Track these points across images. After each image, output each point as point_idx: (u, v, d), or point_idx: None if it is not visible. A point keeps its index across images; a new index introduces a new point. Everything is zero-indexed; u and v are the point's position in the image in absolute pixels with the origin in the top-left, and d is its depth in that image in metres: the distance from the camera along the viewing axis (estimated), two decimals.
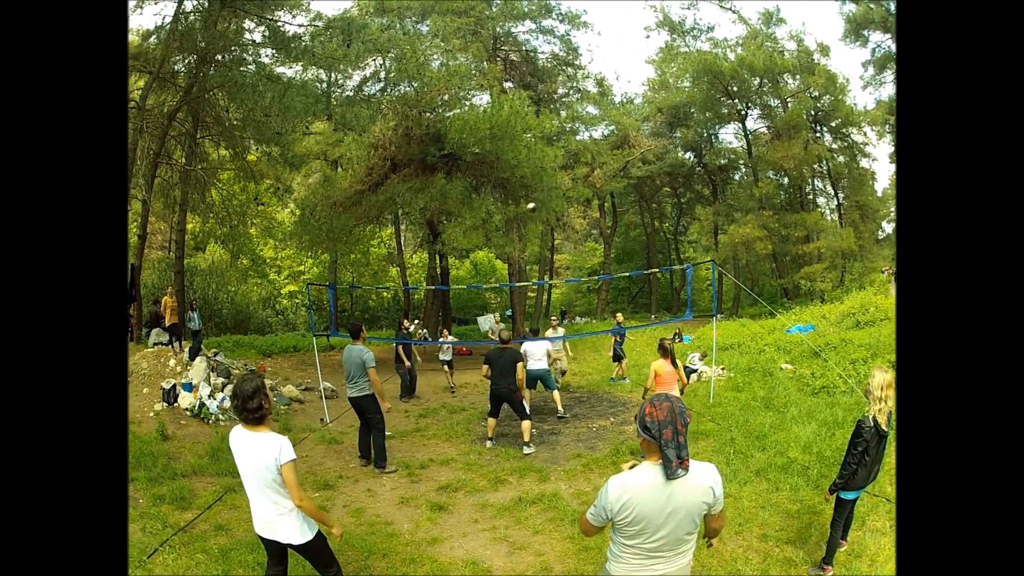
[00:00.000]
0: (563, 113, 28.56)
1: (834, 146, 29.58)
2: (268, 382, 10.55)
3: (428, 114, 17.64)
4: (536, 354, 9.51)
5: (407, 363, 11.82)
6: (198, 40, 14.84)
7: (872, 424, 4.00)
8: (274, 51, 16.40)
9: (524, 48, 27.39)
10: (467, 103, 19.49)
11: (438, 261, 22.65)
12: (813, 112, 28.07)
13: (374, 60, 19.99)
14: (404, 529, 5.39)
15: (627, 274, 31.63)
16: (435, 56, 19.38)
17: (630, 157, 29.51)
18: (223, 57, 15.99)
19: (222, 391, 9.57)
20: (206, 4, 15.03)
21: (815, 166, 29.24)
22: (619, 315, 14.06)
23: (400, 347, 11.92)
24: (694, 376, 12.11)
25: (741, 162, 32.18)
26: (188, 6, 14.85)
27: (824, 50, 27.74)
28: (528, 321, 24.96)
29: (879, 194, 33.02)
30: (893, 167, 30.56)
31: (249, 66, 16.12)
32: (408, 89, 18.19)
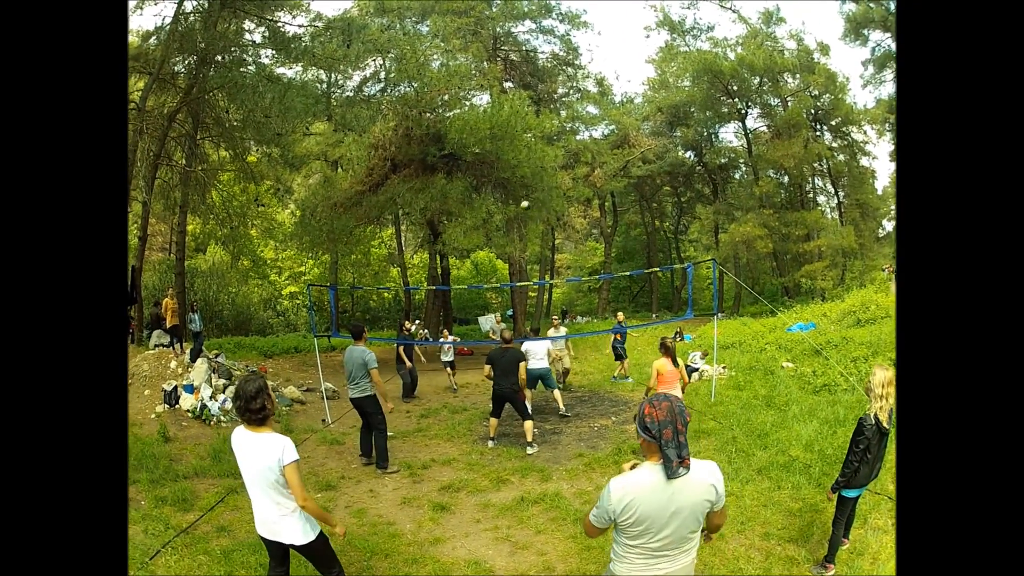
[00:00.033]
0: (563, 113, 28.55)
1: (834, 145, 29.57)
2: (269, 383, 10.55)
3: (428, 114, 17.64)
4: (537, 353, 9.53)
5: (408, 364, 11.82)
6: (198, 41, 14.84)
7: (873, 422, 4.00)
8: (274, 52, 16.40)
9: (524, 48, 27.38)
10: (467, 103, 19.50)
11: (439, 261, 22.67)
12: (813, 111, 28.07)
13: (374, 60, 20.00)
14: (406, 529, 5.40)
15: (628, 273, 31.65)
16: (435, 56, 19.38)
17: (630, 156, 29.50)
18: (223, 58, 15.99)
19: (223, 392, 9.58)
20: (206, 5, 15.03)
21: (815, 165, 29.24)
22: (620, 314, 14.07)
23: (401, 348, 11.93)
24: (695, 375, 12.11)
25: (741, 161, 32.19)
26: (188, 7, 14.87)
27: (824, 49, 27.74)
28: (529, 320, 24.96)
29: (879, 192, 33.02)
30: (893, 165, 30.56)
31: (249, 67, 16.12)
32: (408, 89, 18.18)
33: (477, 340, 18.99)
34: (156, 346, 11.71)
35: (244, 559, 4.62)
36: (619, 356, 13.14)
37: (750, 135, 30.61)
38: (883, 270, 25.07)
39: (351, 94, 21.80)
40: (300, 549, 3.31)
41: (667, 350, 7.16)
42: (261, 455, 3.12)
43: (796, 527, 4.94)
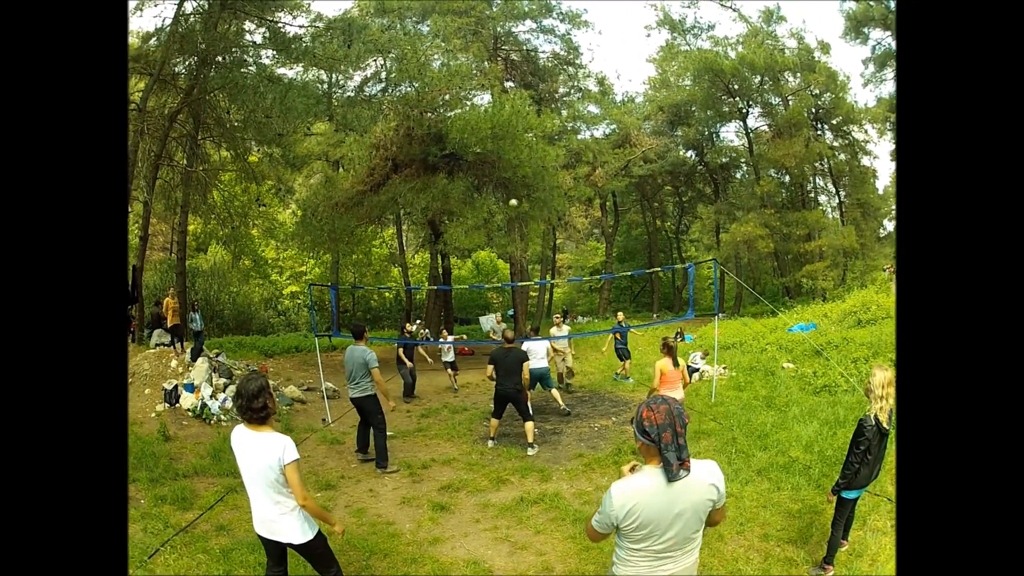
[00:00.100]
0: (564, 112, 28.54)
1: (835, 144, 29.52)
2: (270, 382, 10.55)
3: (429, 114, 17.64)
4: (538, 353, 9.57)
5: (408, 364, 11.82)
6: (198, 42, 14.84)
7: (874, 423, 4.00)
8: (275, 52, 16.39)
9: (525, 48, 27.38)
10: (468, 103, 19.49)
11: (440, 261, 22.68)
12: (814, 110, 28.03)
13: (375, 61, 19.99)
14: (406, 529, 5.40)
15: (629, 273, 31.64)
16: (436, 56, 19.36)
17: (631, 156, 29.48)
18: (224, 59, 15.99)
19: (224, 392, 9.59)
20: (206, 6, 15.04)
21: (816, 164, 29.19)
22: (620, 314, 14.06)
23: (401, 348, 11.93)
24: (696, 375, 12.11)
25: (742, 160, 32.15)
26: (188, 8, 14.86)
27: (825, 48, 27.69)
28: (530, 320, 24.96)
29: (880, 192, 32.93)
30: (894, 165, 30.51)
31: (250, 67, 16.12)
32: (409, 89, 18.18)
33: (478, 340, 18.98)
34: (157, 345, 11.72)
35: (243, 558, 4.62)
36: (621, 355, 13.14)
37: (751, 134, 30.60)
38: (884, 270, 25.03)
39: (352, 94, 21.80)
40: (298, 548, 3.32)
41: (669, 350, 7.15)
42: (261, 454, 3.12)
43: (795, 528, 4.94)
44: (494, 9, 25.17)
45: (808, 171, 29.13)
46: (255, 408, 3.14)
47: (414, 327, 14.98)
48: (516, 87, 24.93)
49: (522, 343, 9.54)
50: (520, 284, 20.75)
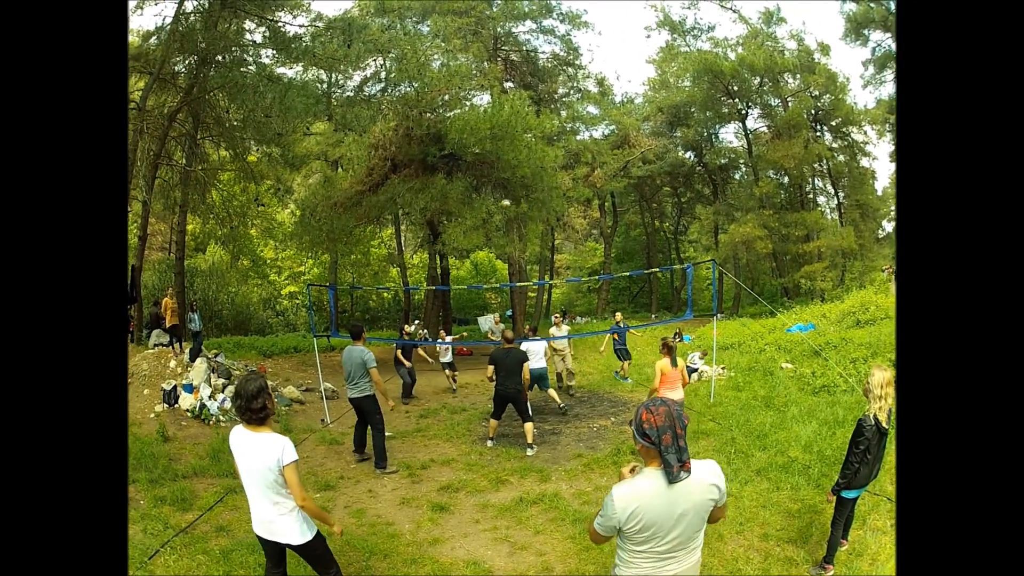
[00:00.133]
0: (563, 113, 28.53)
1: (834, 145, 29.54)
2: (269, 383, 10.54)
3: (428, 114, 17.63)
4: (537, 353, 9.59)
5: (407, 363, 11.82)
6: (198, 41, 14.84)
7: (873, 422, 4.00)
8: (275, 52, 16.39)
9: (524, 48, 27.37)
10: (467, 103, 19.49)
11: (438, 261, 22.65)
12: (813, 111, 28.05)
13: (375, 60, 19.99)
14: (405, 529, 5.40)
15: (627, 274, 31.65)
16: (436, 56, 19.36)
17: (630, 157, 29.50)
18: (223, 58, 15.98)
19: (223, 392, 9.58)
20: (206, 5, 15.03)
21: (815, 165, 29.22)
22: (618, 314, 14.06)
23: (399, 351, 11.92)
24: (694, 375, 12.12)
25: (741, 161, 32.18)
26: (188, 7, 14.85)
27: (824, 49, 27.72)
28: (528, 320, 24.96)
29: (879, 193, 33.01)
30: (893, 166, 30.55)
31: (249, 67, 16.11)
32: (408, 89, 18.17)
33: (476, 340, 18.97)
34: (155, 345, 11.70)
35: (243, 559, 4.62)
36: (621, 356, 13.15)
37: (750, 135, 30.61)
38: (883, 271, 25.06)
39: (351, 94, 21.81)
40: (297, 549, 3.31)
41: (668, 350, 7.16)
42: (261, 455, 3.12)
43: (795, 528, 4.94)
44: (494, 9, 25.17)
45: (807, 172, 29.16)
46: (254, 409, 3.14)
47: (412, 328, 14.97)
48: (515, 87, 24.90)
49: (521, 343, 9.55)
50: (519, 285, 20.74)
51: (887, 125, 28.07)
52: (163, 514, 5.54)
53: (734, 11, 30.63)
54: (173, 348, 11.58)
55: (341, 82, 22.08)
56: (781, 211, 28.61)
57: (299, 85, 16.10)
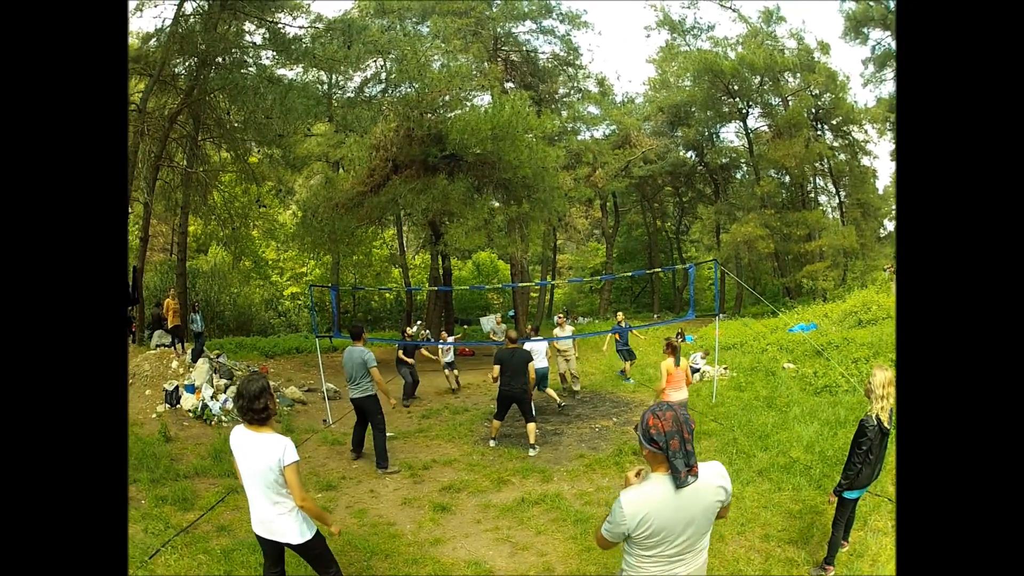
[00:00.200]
0: (564, 113, 28.55)
1: (835, 144, 29.50)
2: (271, 383, 10.55)
3: (429, 115, 17.65)
4: (540, 353, 9.62)
5: (410, 361, 11.80)
6: (198, 43, 14.85)
7: (875, 423, 4.00)
8: (275, 53, 16.39)
9: (525, 48, 27.39)
10: (468, 104, 19.51)
11: (440, 262, 22.67)
12: (814, 110, 28.01)
13: (375, 61, 20.02)
14: (407, 530, 5.40)
15: (629, 274, 31.63)
16: (436, 57, 19.37)
17: (631, 157, 29.50)
18: (224, 59, 15.99)
19: (225, 393, 9.59)
20: (206, 7, 15.04)
21: (816, 164, 29.17)
22: (620, 314, 14.05)
23: (401, 351, 11.91)
24: (696, 375, 12.10)
25: (742, 161, 32.13)
26: (188, 8, 14.87)
27: (824, 48, 27.67)
28: (530, 321, 24.97)
29: (880, 192, 32.94)
30: (894, 165, 30.48)
31: (250, 68, 16.12)
32: (409, 90, 18.19)
33: (479, 341, 18.98)
34: (157, 346, 11.72)
35: (244, 558, 4.62)
36: (624, 356, 13.14)
37: (751, 135, 30.59)
38: (884, 270, 25.03)
39: (352, 95, 21.83)
40: (297, 548, 3.32)
41: (673, 350, 7.14)
42: (262, 455, 3.13)
43: (796, 529, 4.94)
44: (494, 10, 25.19)
45: (808, 171, 29.11)
46: (256, 409, 3.15)
47: (414, 329, 14.97)
48: (516, 88, 24.93)
49: (523, 343, 9.55)
50: (521, 285, 20.75)
51: (887, 124, 28.02)
52: (164, 514, 5.55)
53: (734, 10, 30.73)
54: (175, 349, 11.59)
55: (341, 83, 22.11)
56: (782, 210, 28.58)
57: (300, 86, 16.11)
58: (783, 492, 5.69)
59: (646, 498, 2.22)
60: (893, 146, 28.26)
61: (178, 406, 8.92)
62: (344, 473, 7.10)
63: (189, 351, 11.26)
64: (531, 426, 7.78)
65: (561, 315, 13.29)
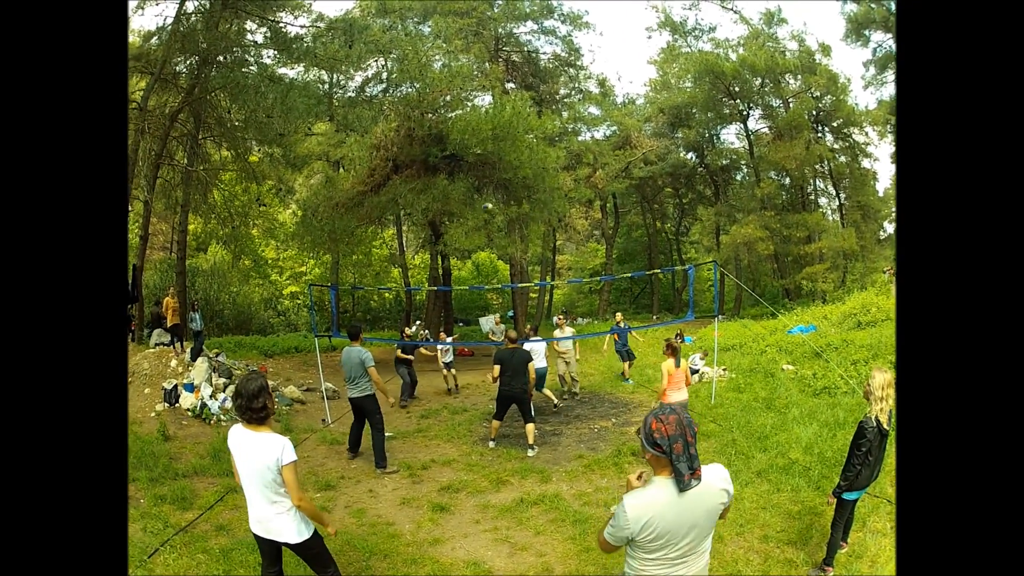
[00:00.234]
0: (565, 114, 28.55)
1: (836, 146, 29.50)
2: (270, 383, 10.55)
3: (430, 115, 17.64)
4: (539, 353, 9.62)
5: (409, 357, 11.78)
6: (200, 41, 14.83)
7: (875, 424, 4.00)
8: (276, 52, 16.38)
9: (526, 49, 27.39)
10: (469, 104, 19.49)
11: (440, 262, 22.67)
12: (815, 112, 28.01)
13: (376, 61, 19.96)
14: (405, 530, 5.40)
15: (629, 275, 31.64)
16: (437, 57, 19.36)
17: (632, 158, 29.51)
18: (225, 58, 15.98)
19: (224, 392, 9.59)
20: (207, 5, 15.03)
21: (817, 166, 29.17)
22: (619, 315, 14.05)
23: (400, 351, 11.89)
24: (695, 376, 12.09)
25: (743, 162, 32.13)
26: (189, 7, 14.85)
27: (825, 50, 27.67)
28: (530, 322, 24.97)
29: (880, 194, 32.92)
30: (894, 167, 30.47)
31: (251, 67, 16.10)
32: (410, 90, 18.18)
33: (478, 341, 18.98)
34: (157, 345, 11.71)
35: (243, 558, 4.62)
36: (623, 357, 13.13)
37: (752, 136, 30.58)
38: (884, 272, 25.02)
39: (353, 95, 21.78)
40: (295, 548, 3.32)
41: (673, 351, 7.14)
42: (260, 454, 3.13)
43: (795, 530, 4.94)
44: (495, 10, 25.19)
45: (808, 173, 29.11)
46: (255, 408, 3.15)
47: (413, 329, 14.96)
48: (517, 88, 24.94)
49: (522, 344, 9.55)
50: (520, 285, 20.74)
51: (888, 126, 28.02)
52: (163, 513, 5.55)
53: (735, 12, 30.59)
54: (174, 347, 11.59)
55: (342, 83, 22.06)
56: (782, 212, 28.57)
57: (300, 86, 16.08)
58: (782, 493, 5.70)
59: (649, 502, 2.22)
60: (893, 148, 28.29)
61: (177, 405, 8.92)
62: (343, 473, 7.10)
63: (188, 350, 11.26)
64: (530, 427, 7.78)
65: (561, 316, 13.23)
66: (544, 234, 26.55)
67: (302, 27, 16.63)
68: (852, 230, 28.03)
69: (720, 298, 27.78)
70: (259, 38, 16.59)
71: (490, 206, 16.65)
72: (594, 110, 30.43)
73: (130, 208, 17.64)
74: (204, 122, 18.25)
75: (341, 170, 23.50)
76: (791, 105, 27.59)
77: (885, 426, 4.01)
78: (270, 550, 3.40)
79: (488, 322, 22.56)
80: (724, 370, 12.14)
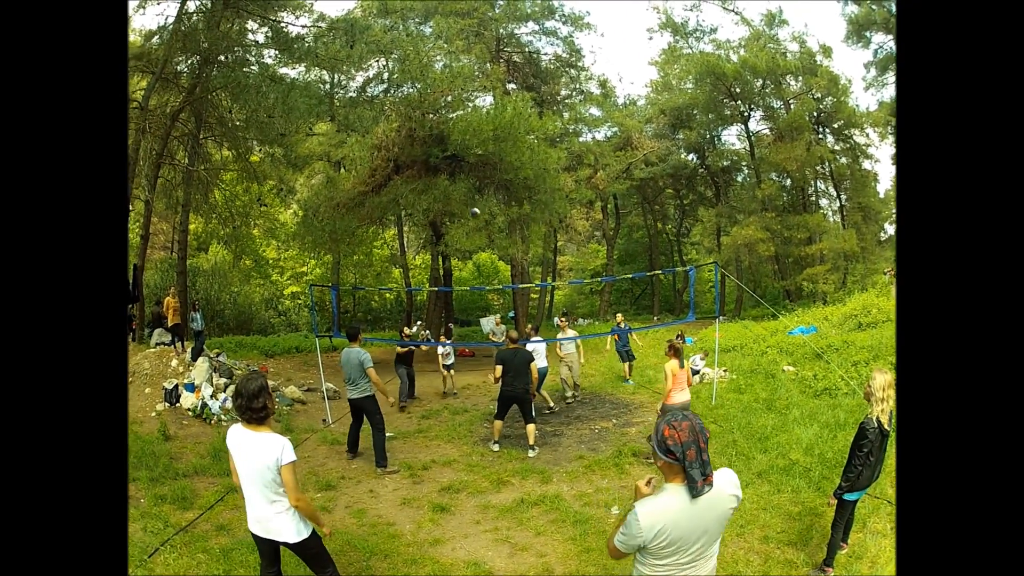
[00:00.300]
0: (566, 115, 28.57)
1: (836, 147, 29.47)
2: (270, 383, 10.56)
3: (431, 115, 17.65)
4: (541, 353, 9.63)
5: (411, 349, 11.76)
6: (201, 41, 14.85)
7: (876, 425, 4.00)
8: (277, 52, 16.39)
9: (527, 49, 27.41)
10: (470, 104, 19.50)
11: (441, 262, 22.67)
12: (816, 113, 28.00)
13: (377, 61, 19.99)
14: (406, 530, 5.40)
15: (630, 276, 31.56)
16: (438, 57, 19.39)
17: (633, 159, 29.51)
18: (226, 58, 16.00)
19: (224, 392, 9.59)
20: (209, 5, 15.04)
21: (817, 168, 29.15)
22: (619, 316, 14.04)
23: (400, 350, 11.87)
24: (696, 377, 12.09)
25: (744, 164, 32.12)
26: (191, 6, 14.86)
27: (826, 51, 27.66)
28: (531, 322, 24.95)
29: (881, 196, 32.89)
30: (895, 169, 30.44)
31: (252, 67, 16.11)
32: (411, 90, 18.18)
33: (478, 342, 18.98)
34: (157, 344, 11.72)
35: (243, 558, 4.62)
36: (623, 357, 13.11)
37: (752, 138, 30.58)
38: (884, 274, 25.00)
39: (354, 95, 21.79)
40: (293, 547, 3.32)
41: (675, 351, 7.11)
42: (260, 454, 3.13)
43: (795, 531, 4.94)
44: (496, 11, 25.21)
45: (809, 175, 29.10)
46: (255, 408, 3.15)
47: (413, 330, 14.94)
48: (518, 89, 24.96)
49: (524, 344, 9.53)
50: (521, 286, 20.74)
51: (889, 127, 28.00)
52: (163, 512, 5.55)
53: (736, 13, 30.59)
54: (175, 347, 11.59)
55: (344, 83, 22.07)
56: (783, 213, 28.54)
57: (302, 85, 16.08)
58: (782, 494, 5.69)
59: (662, 509, 2.20)
60: (894, 150, 28.26)
61: (177, 405, 8.92)
62: (343, 473, 7.10)
63: (189, 350, 11.27)
64: (531, 427, 7.78)
65: (562, 319, 13.19)
66: (545, 235, 26.55)
67: (303, 27, 16.65)
68: (853, 231, 28.01)
69: (721, 299, 27.81)
70: (260, 38, 16.61)
71: (478, 211, 16.62)
72: (595, 111, 30.47)
73: (131, 208, 17.64)
74: (205, 122, 18.28)
75: (342, 170, 23.53)
76: (792, 106, 27.59)
77: (886, 427, 4.01)
78: (269, 550, 3.40)
79: (489, 323, 22.57)
80: (725, 371, 12.13)
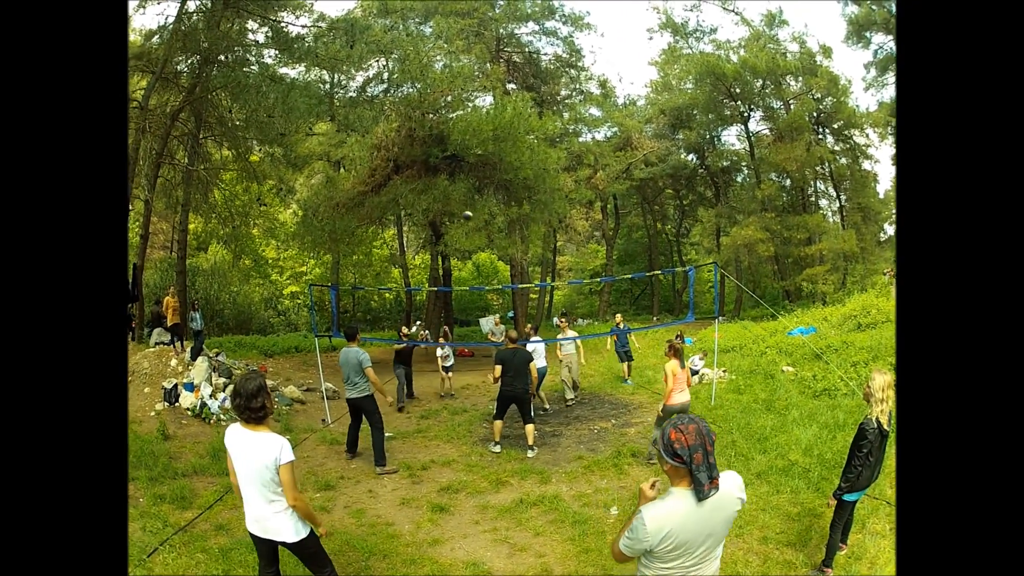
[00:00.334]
0: (566, 115, 28.58)
1: (836, 148, 29.48)
2: (269, 382, 10.57)
3: (431, 115, 17.66)
4: (540, 352, 9.65)
5: (409, 345, 11.76)
6: (201, 40, 14.84)
7: (875, 426, 4.00)
8: (277, 52, 16.38)
9: (527, 50, 27.43)
10: (470, 104, 19.50)
11: (440, 262, 22.67)
12: (815, 114, 28.00)
13: (377, 61, 19.97)
14: (405, 530, 5.40)
15: (629, 276, 31.60)
16: (438, 57, 19.39)
17: (633, 159, 29.53)
18: (226, 57, 15.99)
19: (223, 391, 9.59)
20: (209, 4, 15.03)
21: (817, 168, 29.15)
22: (618, 316, 14.04)
23: (397, 347, 11.85)
24: (695, 378, 12.09)
25: (743, 164, 32.13)
26: (191, 6, 14.84)
27: (826, 52, 27.67)
28: (530, 322, 24.94)
29: (881, 196, 32.90)
30: (894, 169, 30.45)
31: (252, 67, 16.10)
32: (411, 90, 18.18)
33: (477, 342, 18.98)
34: (157, 344, 11.71)
35: (242, 557, 4.62)
36: (621, 358, 13.11)
37: (752, 138, 30.59)
38: (884, 274, 25.00)
39: (354, 95, 21.77)
40: (292, 547, 3.31)
41: (676, 352, 7.10)
42: (258, 453, 3.13)
43: (794, 531, 4.94)
44: (496, 11, 25.21)
45: (809, 175, 29.11)
46: (253, 408, 3.14)
47: (413, 329, 14.93)
48: (518, 89, 24.97)
49: (523, 344, 9.52)
50: (520, 286, 20.75)
51: (889, 128, 28.01)
52: (163, 512, 5.55)
53: (736, 13, 30.62)
54: (174, 347, 11.59)
55: (344, 83, 22.05)
56: (783, 214, 28.55)
57: (302, 85, 16.07)
58: (781, 495, 5.69)
59: (668, 513, 2.19)
60: (894, 150, 28.27)
61: (177, 404, 8.91)
62: (342, 473, 7.10)
63: (188, 349, 11.26)
64: (530, 427, 7.78)
65: (562, 319, 13.16)
66: (544, 235, 26.55)
67: (303, 27, 16.63)
68: (852, 232, 28.02)
69: (720, 299, 27.78)
70: (260, 38, 16.59)
71: (470, 214, 16.62)
72: (595, 111, 30.50)
73: (131, 207, 17.65)
74: (205, 121, 18.27)
75: (342, 170, 23.53)
76: (792, 107, 27.60)
77: (885, 427, 4.01)
78: (267, 550, 3.40)
79: (488, 323, 22.56)
80: (724, 371, 12.14)
